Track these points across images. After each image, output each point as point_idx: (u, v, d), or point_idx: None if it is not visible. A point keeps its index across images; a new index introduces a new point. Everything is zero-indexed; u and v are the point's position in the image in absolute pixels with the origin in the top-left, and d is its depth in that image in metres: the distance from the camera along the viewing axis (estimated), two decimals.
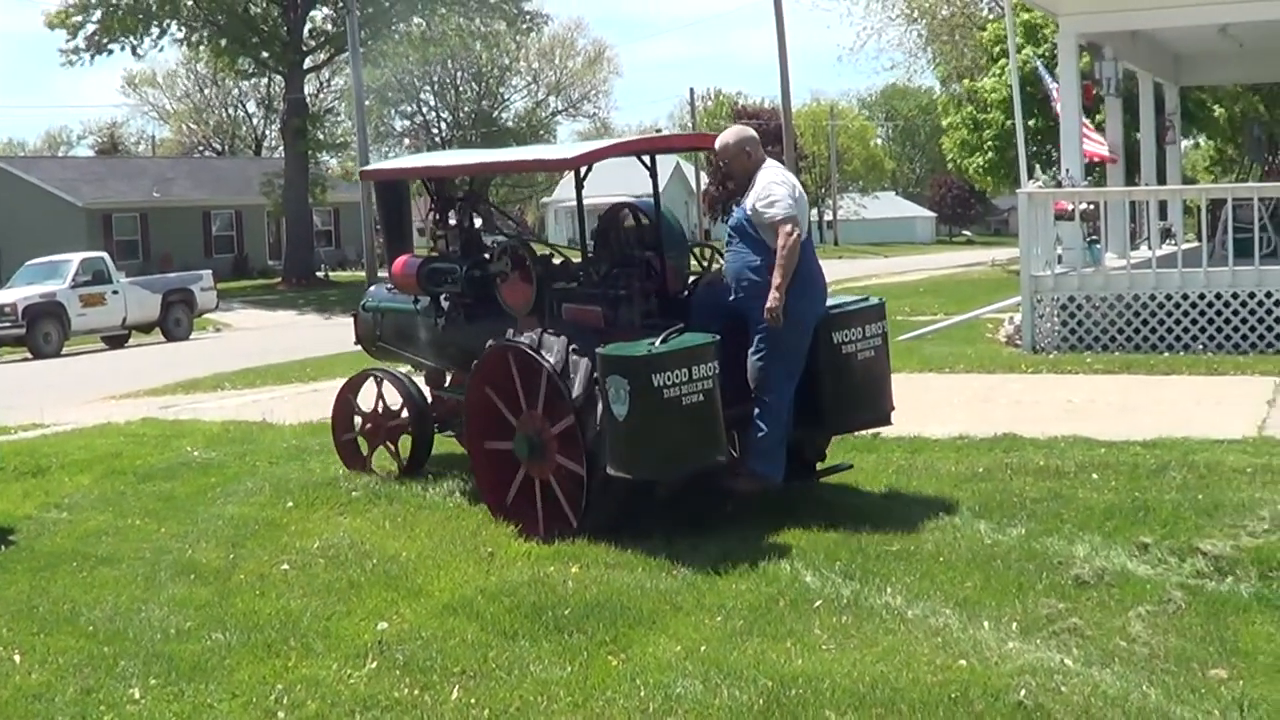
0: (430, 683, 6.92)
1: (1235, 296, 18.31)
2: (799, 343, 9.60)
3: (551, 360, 9.50)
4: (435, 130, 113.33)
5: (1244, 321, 18.18)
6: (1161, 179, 28.75)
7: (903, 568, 8.30)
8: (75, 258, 37.94)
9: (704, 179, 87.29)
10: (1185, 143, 48.22)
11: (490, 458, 10.31)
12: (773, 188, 9.60)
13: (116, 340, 37.74)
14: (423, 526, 10.12)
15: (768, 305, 9.33)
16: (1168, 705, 6.14)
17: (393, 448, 11.99)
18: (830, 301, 9.88)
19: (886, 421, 10.46)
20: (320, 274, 61.24)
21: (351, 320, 13.08)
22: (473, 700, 6.64)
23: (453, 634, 7.62)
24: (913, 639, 7.11)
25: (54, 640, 8.12)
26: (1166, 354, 17.89)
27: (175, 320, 38.46)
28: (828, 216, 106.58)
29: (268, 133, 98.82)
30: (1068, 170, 21.83)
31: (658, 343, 8.94)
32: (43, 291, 35.70)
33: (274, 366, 24.69)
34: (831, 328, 9.80)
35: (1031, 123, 35.08)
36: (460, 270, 11.01)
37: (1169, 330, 18.50)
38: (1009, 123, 37.30)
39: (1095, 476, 10.22)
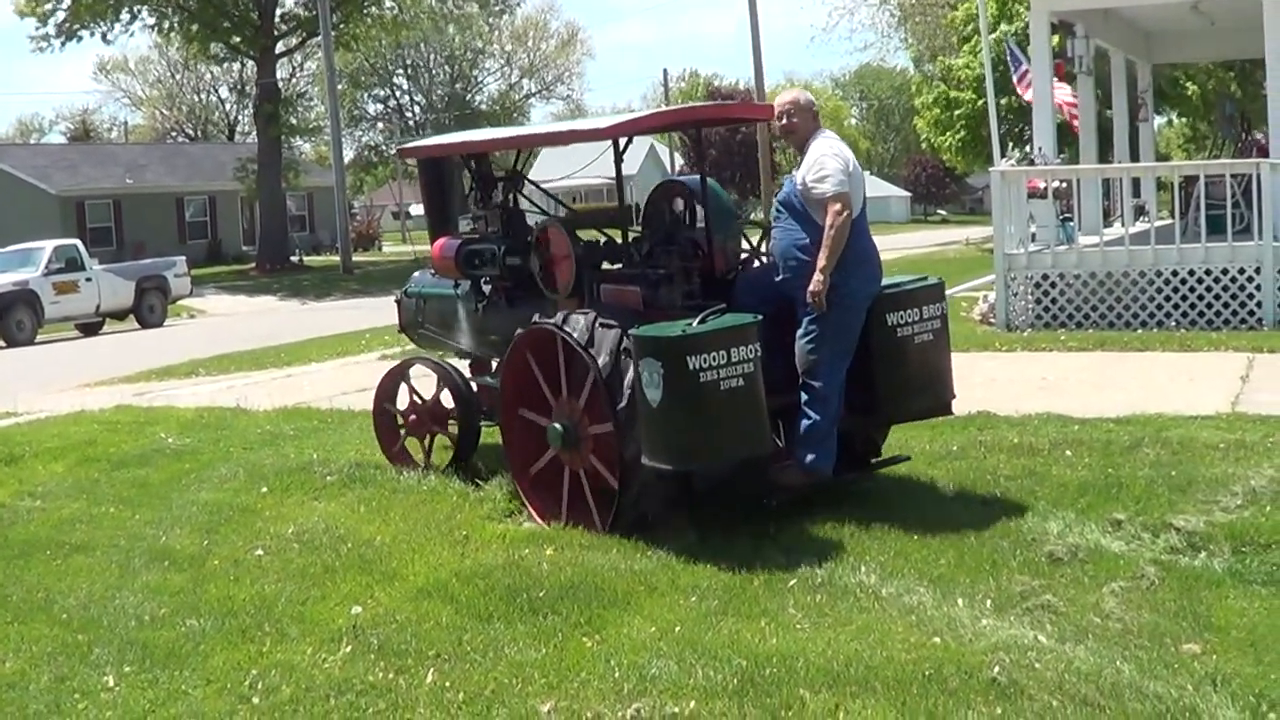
0: (405, 666, 6.91)
1: (1208, 273, 18.35)
2: (850, 325, 9.04)
3: (575, 335, 8.99)
4: (409, 114, 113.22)
5: (1217, 298, 18.23)
6: (1134, 156, 28.78)
7: (877, 546, 8.31)
8: (48, 245, 37.75)
9: (678, 160, 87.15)
10: (1158, 120, 48.28)
11: (521, 434, 9.84)
12: (825, 160, 8.98)
13: (90, 328, 37.58)
14: (397, 510, 10.11)
15: (810, 289, 8.84)
16: (1141, 680, 6.15)
17: (428, 443, 11.58)
18: (885, 280, 9.36)
19: (946, 410, 9.80)
20: (294, 259, 61.09)
21: (396, 305, 12.83)
22: (448, 683, 6.63)
23: (427, 617, 7.61)
24: (887, 617, 7.12)
25: (28, 628, 8.11)
26: (1140, 331, 17.93)
27: (149, 307, 38.29)
28: None
29: (240, 118, 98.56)
30: (1040, 148, 21.86)
31: (695, 323, 8.37)
32: (15, 279, 35.48)
33: (248, 352, 24.61)
34: (885, 308, 9.22)
35: (1004, 101, 35.09)
36: (498, 251, 10.64)
37: (1142, 307, 18.54)
38: (981, 102, 37.39)
39: (1069, 453, 10.24)
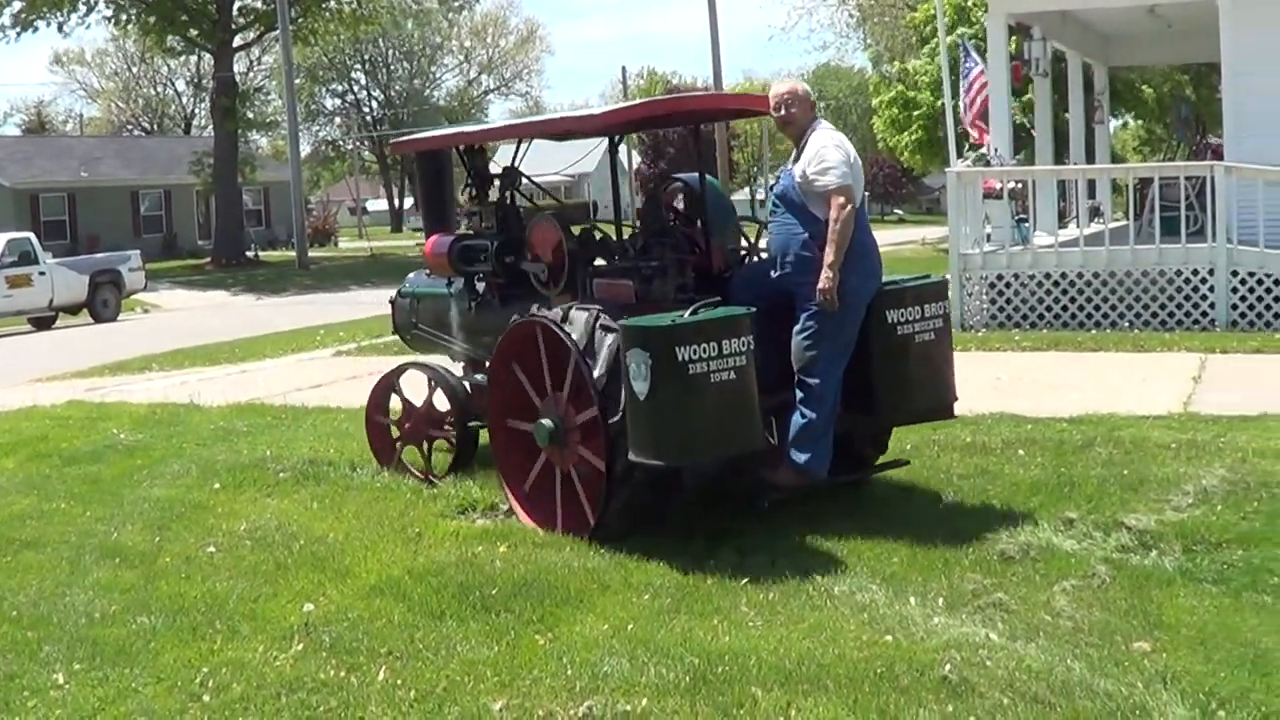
0: (357, 664, 6.88)
1: (1162, 274, 18.46)
2: (849, 322, 8.73)
3: (562, 323, 8.81)
4: (366, 109, 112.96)
5: (1170, 299, 18.34)
6: (1090, 158, 28.92)
7: (829, 544, 8.33)
8: (1, 238, 37.51)
9: (636, 157, 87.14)
10: (1114, 122, 48.56)
11: (511, 441, 9.62)
12: (826, 153, 8.68)
13: (43, 322, 37.34)
14: (350, 508, 10.08)
15: (820, 286, 8.51)
16: (1092, 678, 6.18)
17: (426, 450, 11.21)
18: (886, 277, 9.10)
19: (948, 413, 9.51)
20: (250, 254, 60.80)
21: (390, 306, 12.53)
22: (399, 681, 6.61)
23: (380, 615, 7.59)
24: (839, 615, 7.13)
25: None
26: (1094, 331, 18.02)
27: (103, 301, 38.06)
28: (760, 195, 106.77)
29: (197, 111, 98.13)
30: (996, 149, 21.94)
31: (686, 314, 8.11)
32: None
33: (202, 348, 24.51)
34: (886, 305, 8.92)
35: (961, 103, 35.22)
36: (490, 247, 10.40)
37: (1096, 308, 18.64)
38: (939, 103, 37.49)
39: (1022, 453, 10.28)
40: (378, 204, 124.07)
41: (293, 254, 57.49)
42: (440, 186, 11.76)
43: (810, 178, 8.68)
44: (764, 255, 9.73)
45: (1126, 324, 18.25)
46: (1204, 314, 18.18)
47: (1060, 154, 29.21)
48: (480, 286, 10.78)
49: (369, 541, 9.11)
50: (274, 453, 11.97)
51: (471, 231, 10.90)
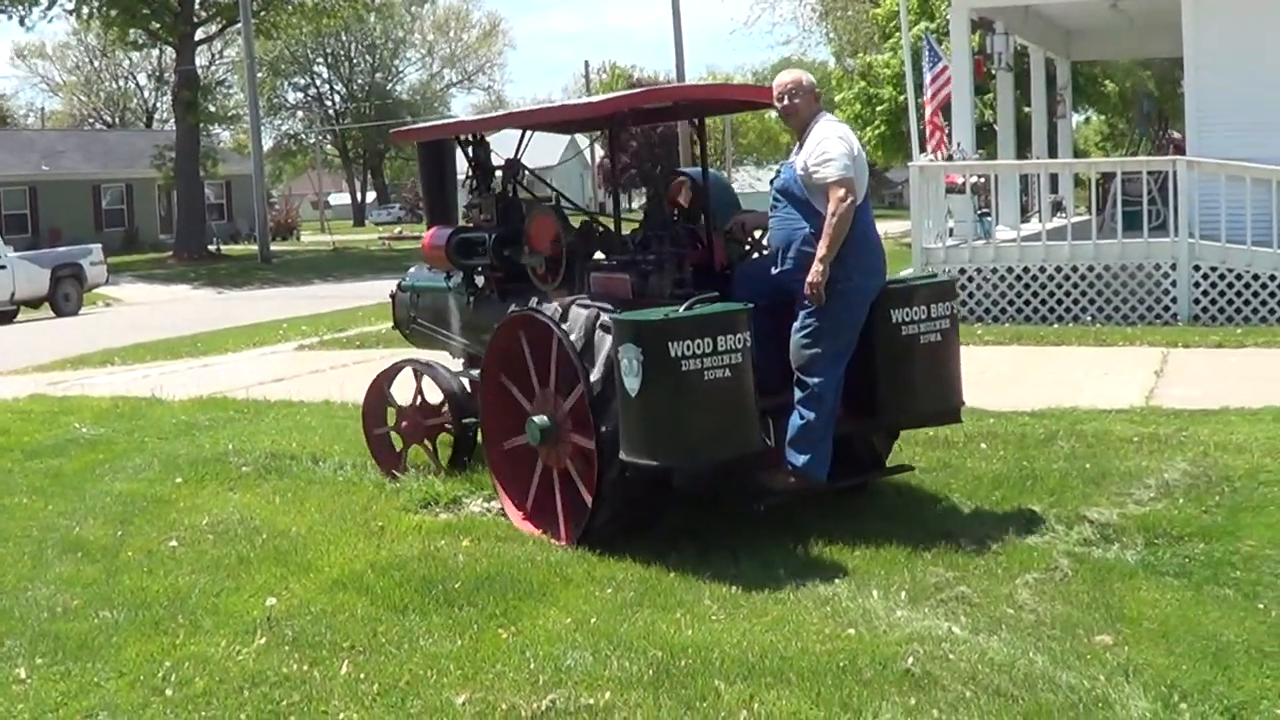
0: (319, 658, 6.86)
1: (1124, 269, 18.56)
2: (850, 321, 8.44)
3: (560, 321, 8.57)
4: (329, 103, 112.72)
5: (1132, 293, 18.43)
6: (1052, 153, 29.00)
7: (791, 538, 8.32)
8: None
9: (599, 151, 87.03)
10: (1076, 117, 48.69)
11: (508, 456, 9.33)
12: (828, 145, 8.40)
13: (4, 316, 37.10)
14: (313, 501, 10.07)
15: (809, 280, 8.28)
16: (1054, 671, 6.20)
17: (431, 447, 10.89)
18: (892, 275, 8.86)
19: (954, 417, 9.22)
20: (212, 248, 60.59)
21: (390, 301, 12.23)
22: (362, 675, 6.59)
23: (342, 609, 7.57)
24: (802, 609, 7.14)
25: None
26: (1056, 325, 18.10)
27: (64, 295, 37.87)
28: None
29: (159, 105, 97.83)
30: (959, 144, 21.99)
31: (681, 309, 7.85)
32: None
33: (164, 341, 24.42)
34: (890, 304, 8.61)
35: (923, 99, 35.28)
36: (488, 240, 10.11)
37: (1059, 302, 18.72)
38: (901, 97, 37.55)
39: (984, 446, 10.31)
40: (340, 198, 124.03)
41: (255, 248, 57.30)
42: (442, 178, 11.43)
43: (811, 169, 8.42)
44: (763, 250, 9.49)
45: (1089, 318, 18.34)
46: (1166, 308, 18.28)
47: (1023, 149, 29.31)
48: (480, 281, 10.49)
49: (332, 535, 9.09)
50: (236, 447, 11.94)
51: (471, 224, 10.65)
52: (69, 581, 8.54)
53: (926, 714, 5.82)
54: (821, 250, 8.25)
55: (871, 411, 8.80)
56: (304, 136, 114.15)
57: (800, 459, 8.42)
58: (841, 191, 8.27)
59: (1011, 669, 6.23)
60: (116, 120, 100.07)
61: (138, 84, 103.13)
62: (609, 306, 8.47)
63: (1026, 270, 18.97)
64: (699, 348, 7.63)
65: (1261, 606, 6.98)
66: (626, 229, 9.72)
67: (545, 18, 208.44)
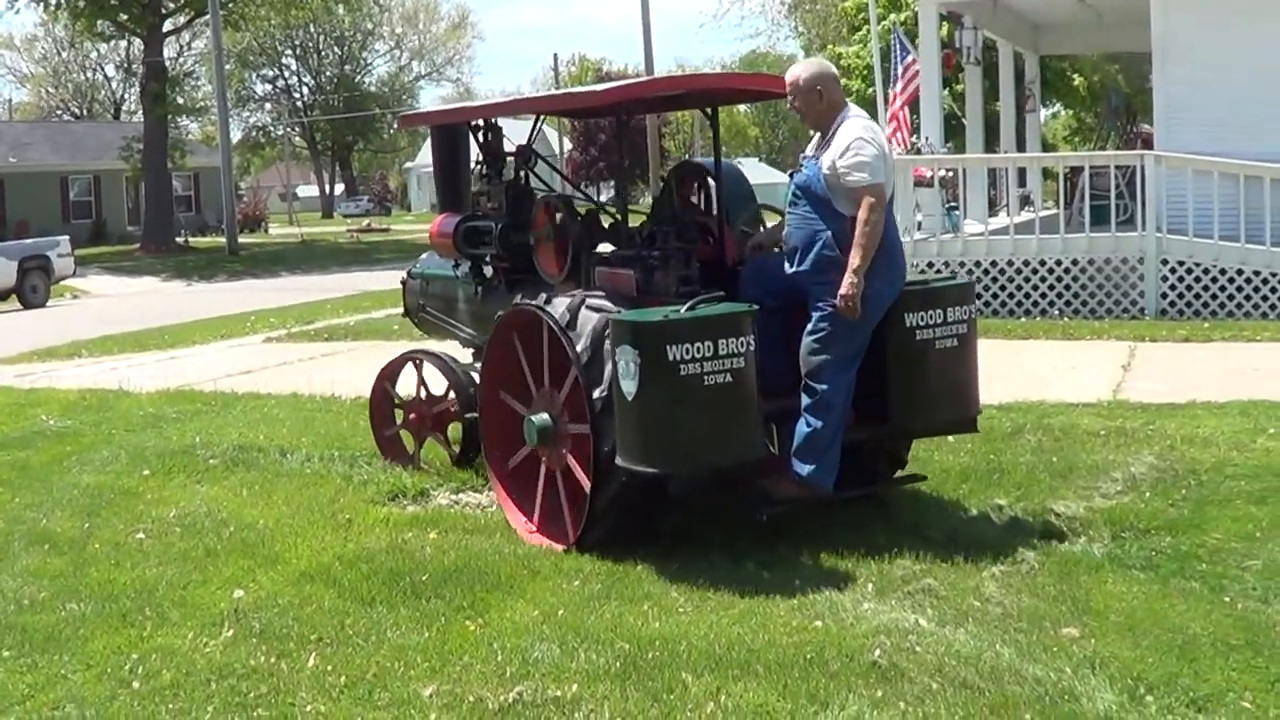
0: (287, 650, 6.84)
1: (1092, 263, 18.64)
2: (864, 326, 8.04)
3: (555, 315, 8.24)
4: (297, 94, 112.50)
5: (1100, 287, 18.50)
6: (1021, 147, 29.07)
7: (759, 531, 8.32)
8: None
9: (567, 144, 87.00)
10: (1045, 111, 48.80)
11: (512, 471, 9.07)
12: (860, 146, 7.96)
13: None
14: (280, 494, 10.04)
15: (842, 292, 7.85)
16: (1020, 664, 6.21)
17: (442, 437, 10.67)
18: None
19: (970, 426, 8.82)
20: (180, 240, 60.36)
21: (401, 286, 12.06)
22: (329, 667, 6.58)
23: (310, 601, 7.56)
24: (769, 601, 7.14)
25: None
26: (1024, 319, 18.16)
27: (32, 287, 37.66)
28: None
29: (127, 96, 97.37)
30: (927, 138, 22.03)
31: (683, 310, 7.53)
32: None
33: (132, 334, 24.35)
34: (905, 308, 8.22)
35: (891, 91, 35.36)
36: (495, 229, 9.83)
37: (1026, 296, 18.78)
38: (870, 91, 37.61)
39: (951, 439, 10.29)
40: (308, 190, 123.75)
41: (223, 240, 57.11)
42: (456, 164, 10.95)
43: (841, 172, 7.97)
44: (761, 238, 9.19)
45: (1056, 312, 18.41)
46: (1133, 302, 18.37)
47: (991, 142, 29.40)
48: (488, 271, 10.24)
49: (299, 528, 9.08)
50: (204, 439, 11.92)
51: (480, 212, 10.33)
52: (36, 574, 8.50)
53: (893, 706, 5.83)
54: (855, 261, 7.84)
55: (882, 419, 8.40)
56: (272, 128, 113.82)
57: (805, 468, 8.09)
58: (873, 199, 7.88)
59: (978, 661, 6.25)
60: (84, 112, 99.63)
61: (106, 76, 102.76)
62: (612, 307, 8.13)
63: (994, 264, 19.03)
64: (698, 351, 7.35)
65: (1227, 599, 7.01)
66: (635, 222, 9.55)
67: (514, 10, 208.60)
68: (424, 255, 11.72)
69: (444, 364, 10.45)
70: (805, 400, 8.09)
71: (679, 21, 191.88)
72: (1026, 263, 18.87)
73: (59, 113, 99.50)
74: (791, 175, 8.53)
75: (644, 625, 6.88)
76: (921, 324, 8.26)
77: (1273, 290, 17.95)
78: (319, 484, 10.27)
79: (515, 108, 10.37)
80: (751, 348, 7.52)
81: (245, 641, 7.00)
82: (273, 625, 7.19)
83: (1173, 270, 18.34)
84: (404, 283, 11.93)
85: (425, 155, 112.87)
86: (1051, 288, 18.64)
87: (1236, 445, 10.06)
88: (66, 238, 40.91)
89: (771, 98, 9.62)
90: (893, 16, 38.09)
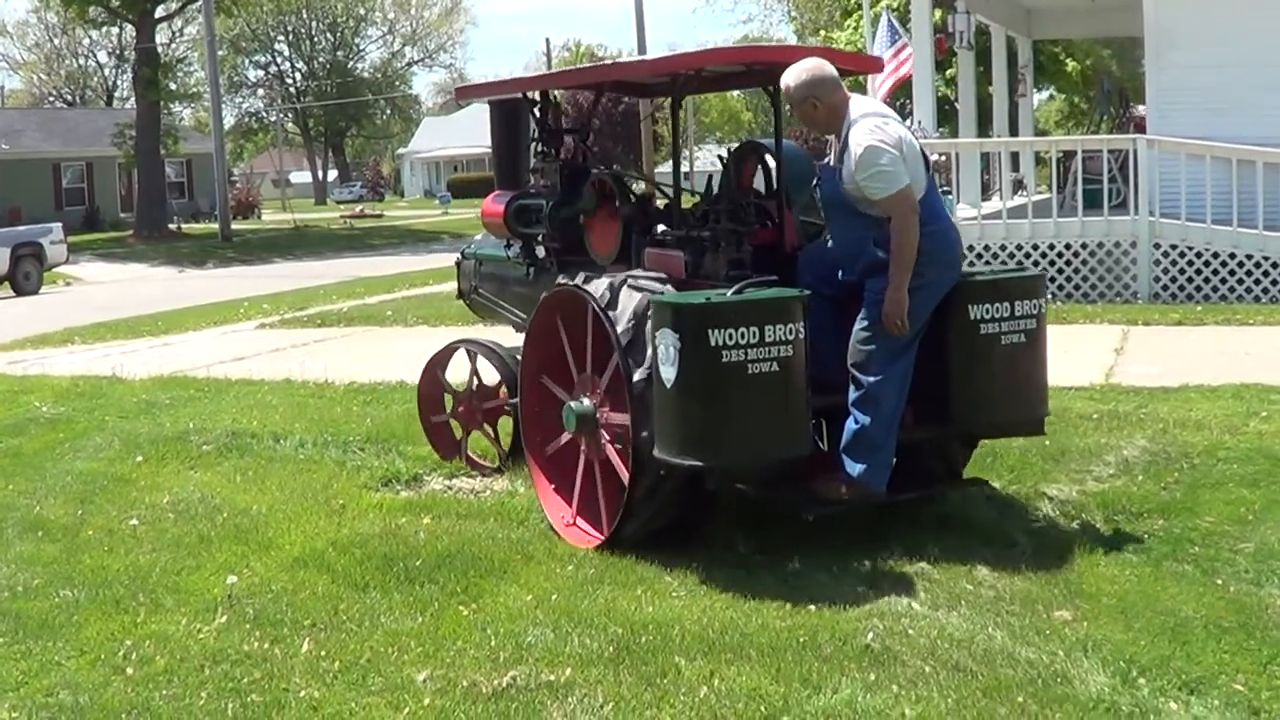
0: (280, 636, 6.85)
1: (1084, 247, 18.66)
2: (916, 316, 7.51)
3: (596, 295, 7.77)
4: (290, 80, 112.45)
5: (1093, 271, 18.52)
6: (1014, 131, 29.10)
7: (751, 516, 8.29)
8: None
9: None
10: (1038, 95, 48.81)
11: (551, 460, 8.64)
12: (872, 155, 7.38)
13: None
14: (274, 479, 10.05)
15: (886, 311, 7.41)
16: (1013, 646, 6.23)
17: (492, 431, 10.30)
18: (971, 268, 7.94)
19: (1038, 428, 8.31)
20: (173, 226, 60.29)
21: (455, 267, 11.63)
22: (323, 653, 6.58)
23: (303, 587, 7.56)
24: (762, 585, 7.14)
25: None
26: None
27: (25, 274, 37.65)
28: (685, 167, 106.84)
29: (119, 83, 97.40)
30: (920, 121, 22.02)
31: (729, 293, 7.14)
32: None
33: (125, 320, 24.34)
34: (969, 300, 7.70)
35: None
36: (545, 207, 9.48)
37: None
38: (863, 75, 37.57)
39: None
40: (301, 176, 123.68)
41: (215, 226, 57.11)
42: (515, 139, 10.41)
43: (861, 184, 7.47)
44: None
45: (1049, 296, 18.39)
46: (1126, 286, 18.40)
47: (984, 127, 29.37)
48: (540, 251, 9.83)
49: (292, 513, 9.08)
50: (197, 425, 11.91)
51: (533, 190, 9.97)
52: (29, 560, 8.50)
53: (886, 689, 5.84)
54: (894, 276, 7.39)
55: (943, 418, 7.89)
56: (265, 114, 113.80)
57: (856, 467, 7.58)
58: (902, 207, 7.39)
59: (971, 644, 6.26)
60: (77, 98, 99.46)
61: (98, 62, 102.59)
62: (658, 288, 7.70)
63: (987, 248, 19.04)
64: (743, 337, 6.92)
65: (1220, 582, 7.02)
66: (688, 203, 9.06)
67: None
68: (479, 235, 11.28)
69: (493, 353, 10.13)
70: (853, 394, 7.60)
71: (673, 6, 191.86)
72: (1020, 247, 18.89)
73: (51, 99, 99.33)
74: (816, 186, 8.24)
75: (637, 610, 6.88)
76: (987, 317, 7.73)
77: (1265, 274, 17.98)
78: (312, 470, 10.28)
79: (563, 80, 10.00)
80: (801, 336, 7.09)
81: (239, 627, 7.00)
82: (266, 611, 7.20)
83: (1165, 254, 18.37)
84: (458, 264, 11.55)
85: (418, 141, 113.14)
86: (1044, 271, 18.63)
87: (1229, 429, 10.06)
88: (59, 225, 40.96)
89: (845, 75, 9.09)
90: (885, 1, 38.11)
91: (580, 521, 8.24)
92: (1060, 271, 18.66)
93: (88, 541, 8.84)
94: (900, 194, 7.37)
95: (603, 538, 7.88)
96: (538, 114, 9.80)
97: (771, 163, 8.89)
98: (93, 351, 19.47)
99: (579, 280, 8.14)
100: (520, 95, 10.05)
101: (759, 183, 9.04)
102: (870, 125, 7.52)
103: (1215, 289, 18.14)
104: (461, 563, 7.76)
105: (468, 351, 10.43)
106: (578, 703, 5.88)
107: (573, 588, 7.29)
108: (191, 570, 8.06)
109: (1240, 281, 18.10)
